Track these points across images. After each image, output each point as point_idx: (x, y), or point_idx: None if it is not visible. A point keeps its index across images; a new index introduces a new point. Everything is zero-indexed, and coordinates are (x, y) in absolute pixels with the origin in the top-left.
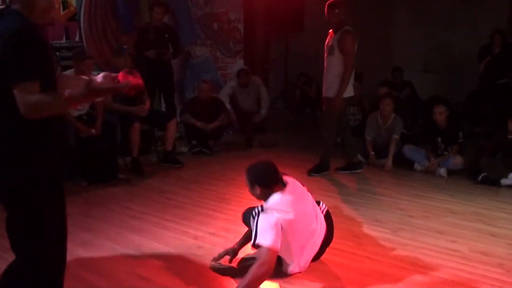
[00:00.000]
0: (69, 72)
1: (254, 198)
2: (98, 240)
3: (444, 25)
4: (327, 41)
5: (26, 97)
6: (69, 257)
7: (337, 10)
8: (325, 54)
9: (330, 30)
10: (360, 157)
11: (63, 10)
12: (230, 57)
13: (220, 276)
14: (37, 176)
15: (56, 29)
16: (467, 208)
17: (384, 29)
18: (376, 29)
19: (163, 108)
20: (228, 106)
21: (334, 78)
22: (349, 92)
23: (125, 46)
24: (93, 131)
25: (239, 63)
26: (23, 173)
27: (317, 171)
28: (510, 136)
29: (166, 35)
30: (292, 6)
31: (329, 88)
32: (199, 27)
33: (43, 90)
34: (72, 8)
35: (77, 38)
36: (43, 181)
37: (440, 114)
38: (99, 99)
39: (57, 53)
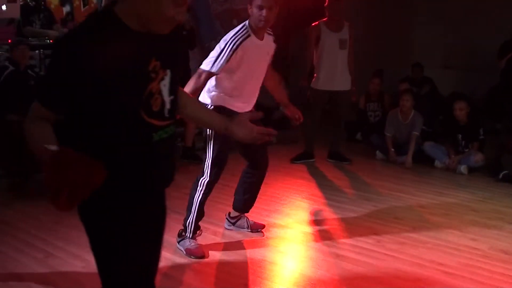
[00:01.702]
0: None
1: (272, 195)
2: None
3: (464, 21)
4: (324, 35)
5: None
6: (90, 253)
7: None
8: (330, 49)
9: (317, 23)
10: (379, 153)
11: (84, 6)
12: None
13: (241, 271)
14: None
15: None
16: (488, 206)
17: (404, 25)
18: (396, 25)
19: None
20: None
21: (347, 72)
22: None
23: None
24: None
25: None
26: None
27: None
28: None
29: (184, 32)
30: (313, 0)
31: (345, 81)
32: (219, 23)
33: None
34: (92, 5)
35: None
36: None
37: (460, 110)
38: None
39: None
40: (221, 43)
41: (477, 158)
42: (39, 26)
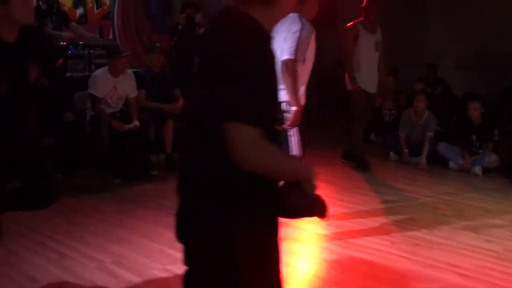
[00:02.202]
0: (104, 69)
1: None
2: (131, 237)
3: (478, 21)
4: (360, 36)
5: None
6: (104, 253)
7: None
8: (367, 50)
9: (353, 24)
10: (393, 154)
11: (97, 8)
12: None
13: None
14: None
15: (90, 27)
16: (503, 207)
17: (419, 25)
18: (410, 25)
19: None
20: None
21: (377, 75)
22: None
23: (157, 44)
24: (127, 127)
25: None
26: None
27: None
28: None
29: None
30: (324, 1)
31: (375, 84)
32: None
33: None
34: (105, 7)
35: (110, 36)
36: None
37: (474, 110)
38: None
39: (92, 51)
40: (295, 32)
41: (491, 159)
42: (51, 28)
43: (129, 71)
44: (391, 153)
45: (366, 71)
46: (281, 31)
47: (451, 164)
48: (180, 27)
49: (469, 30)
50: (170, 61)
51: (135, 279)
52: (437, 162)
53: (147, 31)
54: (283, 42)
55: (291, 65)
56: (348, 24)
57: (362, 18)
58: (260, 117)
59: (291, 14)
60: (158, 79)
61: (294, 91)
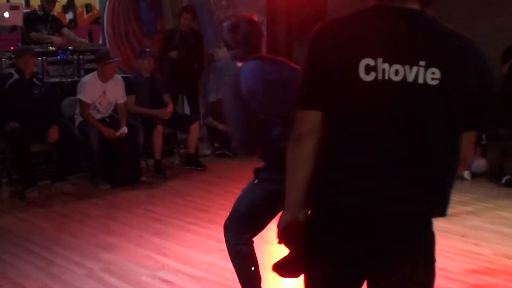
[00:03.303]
0: (92, 74)
1: None
2: (120, 243)
3: (466, 24)
4: None
5: None
6: (92, 260)
7: None
8: None
9: None
10: None
11: (87, 13)
12: None
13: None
14: None
15: (79, 32)
16: (491, 211)
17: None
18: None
19: (187, 111)
20: None
21: None
22: None
23: (147, 49)
24: (117, 133)
25: None
26: None
27: None
28: None
29: (192, 41)
30: (315, 6)
31: None
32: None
33: None
34: (95, 11)
35: (100, 41)
36: None
37: None
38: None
39: (81, 56)
40: None
41: (480, 163)
42: (45, 34)
43: (118, 76)
44: None
45: None
46: None
47: None
48: (180, 30)
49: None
50: (161, 65)
51: (124, 286)
52: None
53: (137, 36)
54: None
55: None
56: None
57: None
58: None
59: None
60: (148, 84)
61: None
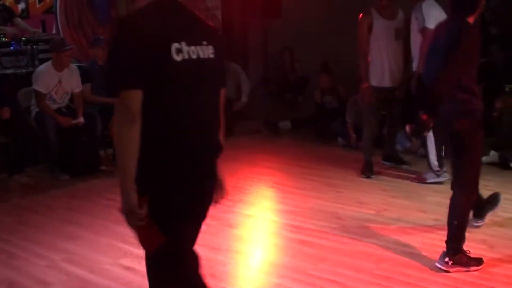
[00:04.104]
0: (47, 64)
1: (235, 185)
2: (82, 233)
3: None
4: (376, 23)
5: None
6: (54, 251)
7: None
8: (381, 38)
9: (367, 11)
10: (340, 139)
11: (39, 3)
12: None
13: (206, 262)
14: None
15: (32, 22)
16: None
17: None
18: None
19: None
20: None
21: (402, 65)
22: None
23: (101, 37)
24: (74, 121)
25: None
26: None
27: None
28: (495, 114)
29: None
30: None
31: (393, 77)
32: None
33: None
34: (48, 1)
35: (54, 31)
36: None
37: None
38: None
39: (34, 46)
40: None
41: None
42: None
43: (73, 65)
44: (339, 139)
45: (384, 63)
46: None
47: (398, 147)
48: None
49: None
50: None
51: (87, 275)
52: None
53: (91, 24)
54: None
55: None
56: (363, 12)
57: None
58: None
59: None
60: (103, 72)
61: None
